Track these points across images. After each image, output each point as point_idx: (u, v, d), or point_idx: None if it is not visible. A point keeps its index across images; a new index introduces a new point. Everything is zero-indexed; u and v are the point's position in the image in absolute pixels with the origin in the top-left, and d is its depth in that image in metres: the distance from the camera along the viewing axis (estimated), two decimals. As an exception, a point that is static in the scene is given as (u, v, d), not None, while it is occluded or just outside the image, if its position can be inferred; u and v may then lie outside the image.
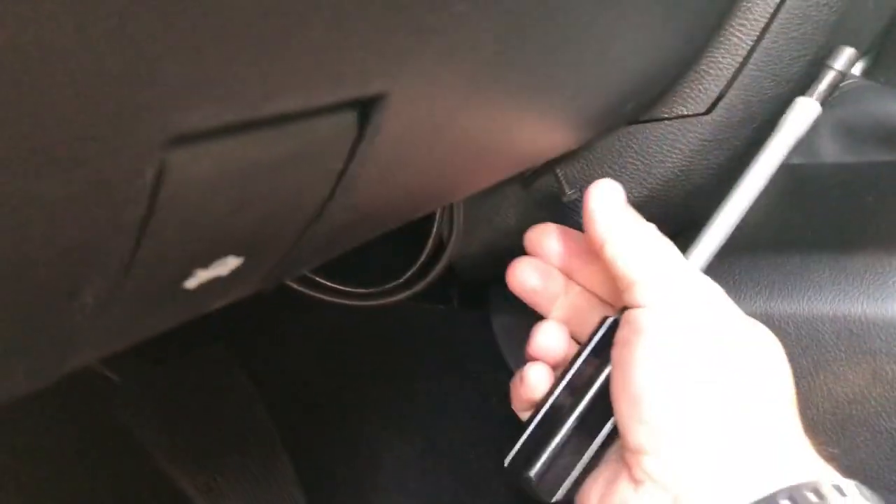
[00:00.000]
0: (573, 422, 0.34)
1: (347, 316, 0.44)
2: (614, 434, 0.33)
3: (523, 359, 0.39)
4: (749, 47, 0.37)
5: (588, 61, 0.26)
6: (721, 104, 0.38)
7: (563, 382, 0.36)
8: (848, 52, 0.36)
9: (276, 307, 0.62)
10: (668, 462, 0.30)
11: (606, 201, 0.34)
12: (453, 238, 0.43)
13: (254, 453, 0.62)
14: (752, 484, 0.28)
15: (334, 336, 0.64)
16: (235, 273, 0.19)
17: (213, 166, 0.15)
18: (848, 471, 0.29)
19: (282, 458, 0.62)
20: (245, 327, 0.65)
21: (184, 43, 0.12)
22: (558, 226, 0.39)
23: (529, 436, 0.36)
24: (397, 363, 0.61)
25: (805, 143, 0.41)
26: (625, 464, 0.32)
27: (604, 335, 0.36)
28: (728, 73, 0.38)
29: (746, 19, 0.37)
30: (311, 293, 0.42)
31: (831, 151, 0.47)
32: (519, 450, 0.36)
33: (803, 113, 0.36)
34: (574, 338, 0.38)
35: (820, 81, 0.36)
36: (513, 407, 0.38)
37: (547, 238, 0.39)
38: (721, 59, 0.38)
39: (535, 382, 0.36)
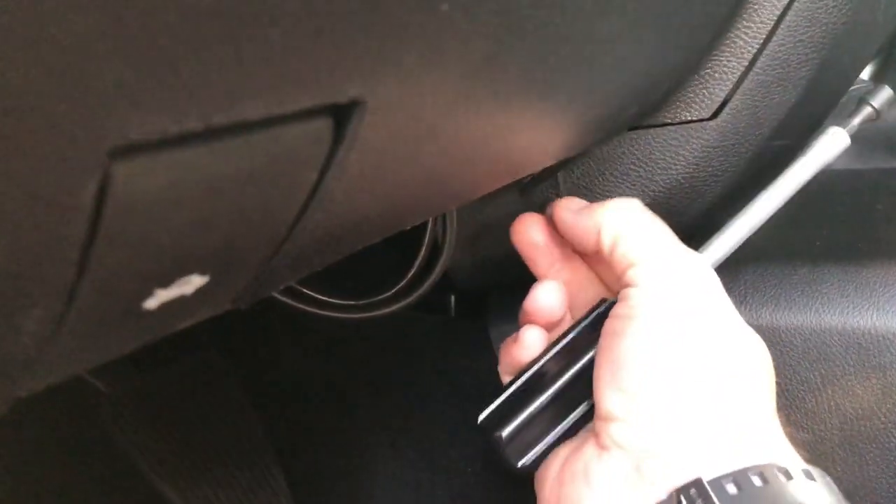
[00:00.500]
0: (553, 391, 0.34)
1: (341, 324, 0.43)
2: (591, 414, 0.33)
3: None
4: (755, 50, 0.37)
5: (587, 65, 0.25)
6: (726, 109, 0.38)
7: (553, 352, 0.36)
8: (887, 93, 0.38)
9: (269, 315, 0.61)
10: (637, 429, 0.30)
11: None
12: (448, 247, 0.42)
13: (245, 463, 0.61)
14: (719, 460, 0.29)
15: (328, 345, 0.63)
16: (201, 292, 0.17)
17: (168, 179, 0.14)
18: (856, 488, 0.29)
19: (273, 468, 0.61)
20: (237, 335, 0.64)
21: (122, 43, 0.11)
22: (544, 217, 0.39)
23: (508, 397, 0.36)
24: (392, 373, 0.60)
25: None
26: (593, 433, 0.32)
27: (599, 314, 0.35)
28: (734, 77, 0.37)
29: (752, 22, 0.36)
30: (302, 307, 0.40)
31: (840, 158, 0.47)
32: (495, 409, 0.36)
33: (833, 143, 0.37)
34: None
35: (855, 116, 0.38)
36: (499, 369, 0.38)
37: (532, 229, 0.39)
38: (727, 63, 0.37)
39: (529, 343, 0.36)
